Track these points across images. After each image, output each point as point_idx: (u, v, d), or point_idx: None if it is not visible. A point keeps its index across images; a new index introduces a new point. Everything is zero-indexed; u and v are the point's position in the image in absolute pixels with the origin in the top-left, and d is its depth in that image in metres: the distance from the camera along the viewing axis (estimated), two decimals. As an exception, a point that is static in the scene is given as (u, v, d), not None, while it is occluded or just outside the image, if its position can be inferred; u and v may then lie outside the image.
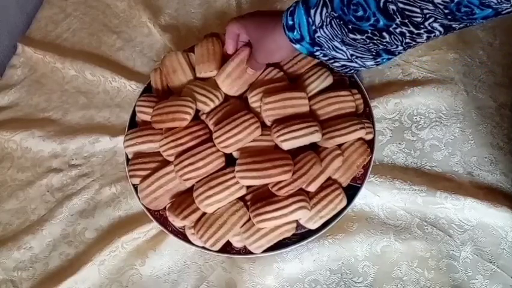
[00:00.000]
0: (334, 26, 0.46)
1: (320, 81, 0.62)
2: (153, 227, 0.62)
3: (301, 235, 0.56)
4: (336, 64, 0.52)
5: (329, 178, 0.58)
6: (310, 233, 0.56)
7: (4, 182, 0.71)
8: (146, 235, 0.62)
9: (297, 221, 0.56)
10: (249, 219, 0.55)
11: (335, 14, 0.45)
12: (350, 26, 0.45)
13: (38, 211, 0.67)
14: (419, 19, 0.40)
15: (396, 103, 0.65)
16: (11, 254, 0.63)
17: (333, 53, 0.50)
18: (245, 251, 0.56)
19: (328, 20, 0.46)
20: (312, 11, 0.47)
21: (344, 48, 0.48)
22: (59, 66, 0.80)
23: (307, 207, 0.54)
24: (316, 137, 0.56)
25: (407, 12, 0.40)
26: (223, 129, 0.57)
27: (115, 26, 0.85)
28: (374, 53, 0.48)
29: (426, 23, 0.41)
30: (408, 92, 0.65)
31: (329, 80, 0.62)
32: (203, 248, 0.56)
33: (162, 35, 0.81)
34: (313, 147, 0.58)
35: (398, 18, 0.41)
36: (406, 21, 0.41)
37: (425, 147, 0.62)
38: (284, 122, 0.57)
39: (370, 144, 0.60)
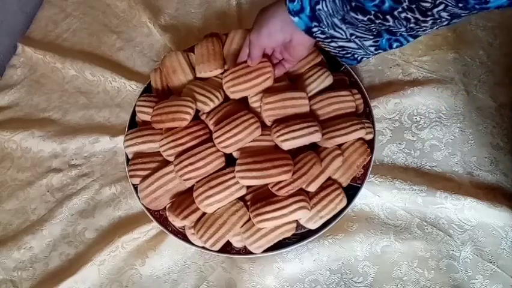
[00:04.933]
0: (336, 2, 0.44)
1: (320, 81, 0.62)
2: (153, 227, 0.62)
3: (301, 235, 0.56)
4: (333, 44, 0.51)
5: (329, 178, 0.58)
6: (310, 233, 0.56)
7: (4, 182, 0.71)
8: (146, 235, 0.62)
9: (297, 221, 0.56)
10: (249, 219, 0.55)
11: None
12: (353, 4, 0.43)
13: (38, 211, 0.67)
14: (428, 4, 0.38)
15: (396, 103, 0.65)
16: (11, 254, 0.63)
17: (332, 31, 0.48)
18: (245, 251, 0.56)
19: None
20: None
21: (343, 26, 0.47)
22: (59, 66, 0.80)
23: (307, 207, 0.54)
24: (316, 137, 0.56)
25: None
26: (223, 129, 0.57)
27: (115, 26, 0.85)
28: (374, 33, 0.47)
29: (434, 10, 0.39)
30: (408, 92, 0.65)
31: (329, 80, 0.62)
32: (203, 248, 0.56)
33: (162, 35, 0.81)
34: (314, 147, 0.58)
35: (405, 2, 0.39)
36: (413, 6, 0.39)
37: (425, 147, 0.62)
38: (284, 122, 0.57)
39: (370, 144, 0.60)
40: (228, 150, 0.58)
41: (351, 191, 0.57)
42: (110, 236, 0.62)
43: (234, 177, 0.55)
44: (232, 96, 0.62)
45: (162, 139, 0.60)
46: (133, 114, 0.68)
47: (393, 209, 0.59)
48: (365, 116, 0.62)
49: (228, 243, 0.57)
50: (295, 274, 0.57)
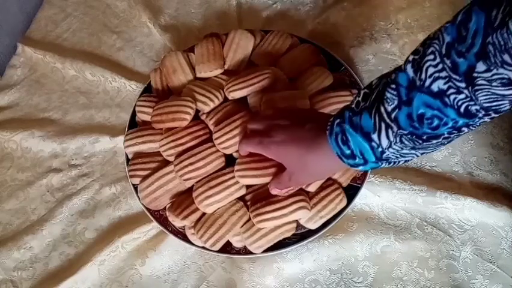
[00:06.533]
0: (405, 141, 0.39)
1: (320, 81, 0.62)
2: (153, 227, 0.62)
3: (301, 235, 0.56)
4: (399, 163, 0.45)
5: (329, 178, 0.58)
6: (310, 233, 0.56)
7: (4, 182, 0.71)
8: (146, 235, 0.62)
9: (297, 221, 0.56)
10: (249, 219, 0.55)
11: (405, 132, 0.38)
12: (425, 137, 0.39)
13: (38, 211, 0.67)
14: (506, 108, 0.35)
15: (396, 103, 0.65)
16: (11, 254, 0.63)
17: (400, 158, 0.43)
18: (245, 251, 0.56)
19: (397, 139, 0.39)
20: (374, 136, 0.40)
21: (413, 151, 0.42)
22: (59, 66, 0.80)
23: (307, 207, 0.54)
24: (316, 137, 0.56)
25: (493, 108, 0.35)
26: (223, 129, 0.57)
27: (115, 26, 0.85)
28: (445, 143, 0.42)
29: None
30: (408, 92, 0.65)
31: (329, 80, 0.62)
32: (203, 248, 0.56)
33: (162, 35, 0.81)
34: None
35: (481, 113, 0.36)
36: (490, 113, 0.36)
37: (425, 147, 0.62)
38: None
39: (370, 144, 0.60)
40: (228, 151, 0.58)
41: (351, 191, 0.57)
42: (110, 236, 0.62)
43: (233, 177, 0.55)
44: (231, 96, 0.62)
45: (162, 139, 0.60)
46: (133, 114, 0.68)
47: (393, 209, 0.59)
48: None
49: (228, 243, 0.57)
50: (295, 274, 0.57)
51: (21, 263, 0.63)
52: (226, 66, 0.66)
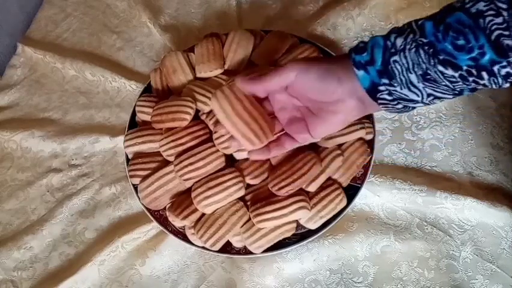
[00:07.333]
0: (421, 53, 0.36)
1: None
2: (153, 227, 0.62)
3: (301, 235, 0.56)
4: (399, 106, 0.41)
5: (329, 178, 0.58)
6: (310, 233, 0.56)
7: (4, 182, 0.71)
8: (146, 235, 0.62)
9: (297, 221, 0.56)
10: (249, 219, 0.55)
11: (424, 40, 0.36)
12: (442, 57, 0.35)
13: (38, 211, 0.67)
14: None
15: (396, 103, 0.65)
16: (11, 254, 0.63)
17: (404, 91, 0.39)
18: (245, 251, 0.56)
19: (413, 44, 0.37)
20: (393, 36, 0.39)
21: (420, 85, 0.38)
22: (59, 66, 0.80)
23: (307, 207, 0.54)
24: (316, 137, 0.56)
25: None
26: (224, 129, 0.57)
27: (115, 26, 0.85)
28: (456, 92, 0.38)
29: None
30: (408, 92, 0.65)
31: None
32: (203, 248, 0.56)
33: (162, 35, 0.81)
34: (314, 147, 0.58)
35: None
36: None
37: (425, 147, 0.62)
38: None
39: (370, 144, 0.60)
40: (228, 151, 0.58)
41: (351, 191, 0.57)
42: (110, 236, 0.62)
43: (233, 178, 0.55)
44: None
45: (162, 139, 0.60)
46: (133, 114, 0.68)
47: (393, 209, 0.59)
48: (365, 116, 0.62)
49: (228, 243, 0.57)
50: (295, 274, 0.57)
51: (21, 263, 0.63)
52: (226, 66, 0.66)
